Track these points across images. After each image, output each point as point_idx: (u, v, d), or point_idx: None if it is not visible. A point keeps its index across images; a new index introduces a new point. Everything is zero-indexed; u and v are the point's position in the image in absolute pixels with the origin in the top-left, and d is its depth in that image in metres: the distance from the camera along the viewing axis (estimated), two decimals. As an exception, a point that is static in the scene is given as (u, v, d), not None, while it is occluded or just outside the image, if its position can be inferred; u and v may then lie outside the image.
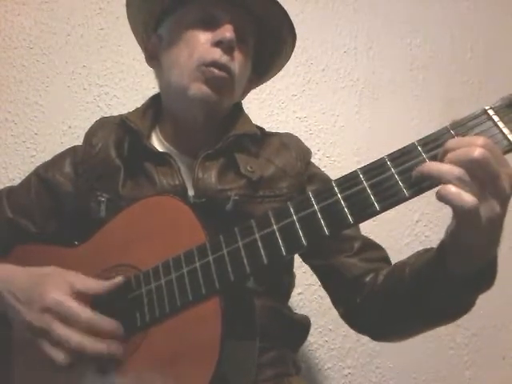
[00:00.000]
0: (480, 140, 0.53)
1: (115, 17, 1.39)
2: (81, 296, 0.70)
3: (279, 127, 1.42)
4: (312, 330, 1.04)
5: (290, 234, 0.61)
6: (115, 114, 1.09)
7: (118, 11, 1.34)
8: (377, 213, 0.57)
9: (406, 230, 1.45)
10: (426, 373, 1.36)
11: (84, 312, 0.68)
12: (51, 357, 0.67)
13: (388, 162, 0.58)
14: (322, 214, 0.60)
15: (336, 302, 0.91)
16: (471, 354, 1.41)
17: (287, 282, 0.95)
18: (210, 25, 0.86)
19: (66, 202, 0.93)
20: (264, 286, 0.84)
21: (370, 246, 0.91)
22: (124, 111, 0.99)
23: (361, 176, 0.59)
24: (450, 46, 1.69)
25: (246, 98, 1.01)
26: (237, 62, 0.86)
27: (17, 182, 1.06)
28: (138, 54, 1.04)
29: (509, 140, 0.54)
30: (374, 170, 0.58)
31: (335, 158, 1.46)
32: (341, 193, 0.59)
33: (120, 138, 0.91)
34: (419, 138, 0.58)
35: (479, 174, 0.52)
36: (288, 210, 0.62)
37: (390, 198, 0.56)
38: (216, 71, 0.83)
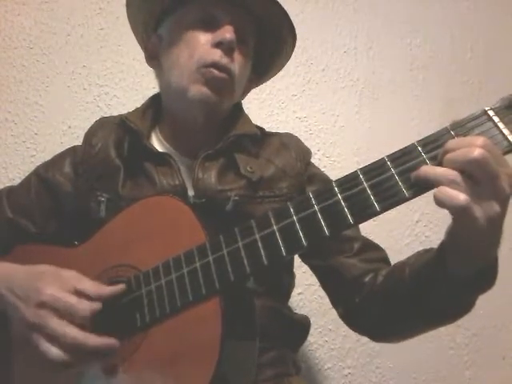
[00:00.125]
0: (479, 140, 0.53)
1: (115, 17, 1.39)
2: (78, 294, 0.70)
3: (279, 127, 1.42)
4: (312, 330, 1.04)
5: (290, 234, 0.61)
6: (115, 113, 1.09)
7: (118, 11, 1.34)
8: (377, 213, 0.57)
9: (406, 230, 1.45)
10: (426, 373, 1.36)
11: (80, 304, 0.68)
12: (45, 353, 0.67)
13: (388, 163, 0.58)
14: (323, 214, 0.60)
15: (335, 302, 0.91)
16: (471, 354, 1.41)
17: (287, 282, 0.95)
18: (210, 25, 0.86)
19: (66, 202, 0.93)
20: (264, 286, 0.84)
21: (369, 246, 0.91)
22: (124, 111, 0.99)
23: (361, 176, 0.59)
24: (449, 45, 1.69)
25: (246, 97, 1.01)
26: (237, 63, 0.86)
27: (17, 181, 1.06)
28: (138, 53, 1.04)
29: (509, 141, 0.54)
30: (374, 170, 0.58)
31: (335, 158, 1.46)
32: (341, 193, 0.59)
33: (120, 138, 0.91)
34: (419, 139, 0.58)
35: (478, 174, 0.53)
36: (288, 210, 0.62)
37: (390, 199, 0.57)
38: (216, 72, 0.83)
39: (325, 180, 0.96)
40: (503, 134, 0.54)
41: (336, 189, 0.60)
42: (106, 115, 1.06)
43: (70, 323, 0.67)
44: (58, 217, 0.94)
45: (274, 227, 0.63)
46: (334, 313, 0.92)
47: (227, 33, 0.83)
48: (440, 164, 0.55)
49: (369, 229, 0.96)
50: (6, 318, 0.74)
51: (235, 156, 0.87)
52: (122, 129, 0.91)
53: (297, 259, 0.96)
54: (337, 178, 0.61)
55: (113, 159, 0.89)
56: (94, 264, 0.78)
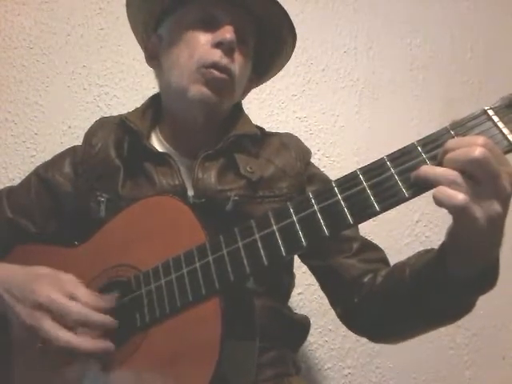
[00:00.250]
0: (480, 139, 0.53)
1: (115, 17, 1.39)
2: (73, 298, 0.70)
3: (279, 127, 1.42)
4: (312, 330, 1.04)
5: (289, 234, 0.61)
6: (115, 114, 1.09)
7: (118, 11, 1.34)
8: (377, 213, 0.57)
9: (406, 230, 1.45)
10: (426, 373, 1.36)
11: (75, 307, 0.68)
12: (41, 354, 0.67)
13: (388, 163, 0.58)
14: (322, 214, 0.60)
15: (334, 303, 0.91)
16: (471, 354, 1.41)
17: (287, 282, 0.95)
18: (210, 25, 0.85)
19: (66, 202, 0.93)
20: (264, 286, 0.84)
21: (368, 246, 0.91)
22: (124, 111, 0.99)
23: (361, 176, 0.59)
24: (450, 45, 1.69)
25: (246, 97, 1.01)
26: (237, 63, 0.86)
27: (17, 181, 1.06)
28: (138, 53, 1.04)
29: (509, 140, 0.54)
30: (374, 170, 0.58)
31: (335, 158, 1.46)
32: (341, 193, 0.59)
33: (120, 138, 0.91)
34: (419, 139, 0.58)
35: (479, 174, 0.53)
36: (288, 210, 0.62)
37: (390, 199, 0.56)
38: (216, 73, 0.83)
39: (324, 180, 0.96)
40: (503, 134, 0.54)
41: (336, 189, 0.60)
42: (106, 115, 1.07)
43: (64, 325, 0.67)
44: (57, 217, 0.94)
45: (274, 227, 0.63)
46: (333, 313, 0.92)
47: (227, 33, 0.83)
48: (440, 164, 0.55)
49: (368, 229, 0.96)
50: (6, 320, 0.74)
51: (235, 156, 0.87)
52: (122, 129, 0.91)
53: (297, 259, 0.96)
54: (336, 178, 0.61)
55: (113, 159, 0.89)
56: (94, 264, 0.78)
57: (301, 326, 0.94)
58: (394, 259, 0.86)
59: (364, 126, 1.52)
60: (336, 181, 0.61)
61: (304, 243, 0.60)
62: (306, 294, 1.31)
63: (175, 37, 0.88)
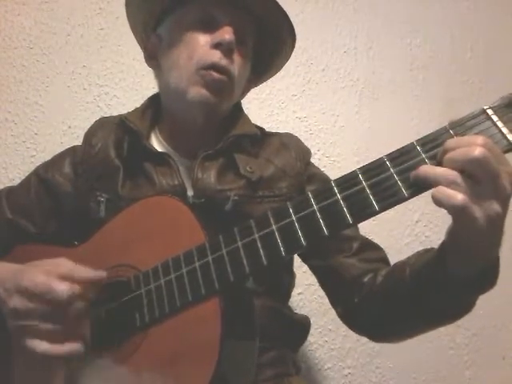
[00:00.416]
0: (479, 139, 0.53)
1: (115, 17, 1.39)
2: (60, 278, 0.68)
3: (279, 127, 1.42)
4: (312, 330, 1.04)
5: (289, 234, 0.61)
6: (115, 114, 1.09)
7: (118, 11, 1.34)
8: (376, 213, 0.57)
9: (406, 230, 1.45)
10: (426, 373, 1.36)
11: (59, 285, 0.66)
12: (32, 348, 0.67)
13: (387, 162, 0.58)
14: (322, 214, 0.60)
15: (334, 302, 0.91)
16: (471, 354, 1.41)
17: (287, 281, 0.95)
18: (209, 26, 0.85)
19: (66, 202, 0.93)
20: (264, 286, 0.84)
21: (368, 246, 0.91)
22: (124, 111, 0.99)
23: (360, 176, 0.59)
24: (449, 45, 1.69)
25: (246, 97, 1.01)
26: (236, 64, 0.86)
27: (17, 182, 1.06)
28: (138, 53, 1.04)
29: (508, 139, 0.54)
30: (373, 170, 0.58)
31: (335, 158, 1.46)
32: (340, 193, 0.59)
33: (119, 138, 0.91)
34: (418, 138, 0.58)
35: (479, 174, 0.52)
36: (287, 210, 0.62)
37: (390, 198, 0.56)
38: (215, 74, 0.83)
39: (324, 180, 0.95)
40: (502, 133, 0.54)
41: (335, 188, 0.60)
42: (106, 115, 1.07)
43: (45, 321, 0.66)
44: (57, 217, 0.94)
45: (273, 227, 0.63)
46: (334, 313, 0.92)
47: (226, 34, 0.83)
48: (439, 163, 0.55)
49: (368, 228, 0.96)
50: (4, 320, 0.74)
51: (235, 156, 0.87)
52: (122, 129, 0.91)
53: (297, 259, 0.96)
54: (336, 178, 0.61)
55: (112, 159, 0.89)
56: (93, 264, 0.78)
57: (301, 326, 0.94)
58: (394, 259, 0.86)
59: (364, 126, 1.52)
60: (335, 180, 0.61)
61: (303, 243, 0.60)
62: (306, 293, 1.31)
63: (174, 37, 0.88)
